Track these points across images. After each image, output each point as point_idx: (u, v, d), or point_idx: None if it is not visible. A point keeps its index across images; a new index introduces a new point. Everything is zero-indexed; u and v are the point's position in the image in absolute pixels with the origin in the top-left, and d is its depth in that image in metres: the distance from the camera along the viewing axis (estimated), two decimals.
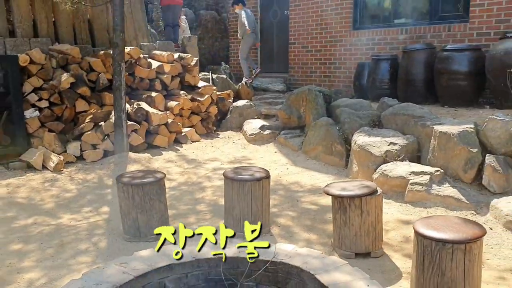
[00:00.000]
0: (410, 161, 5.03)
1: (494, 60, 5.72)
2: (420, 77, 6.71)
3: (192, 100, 7.86)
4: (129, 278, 2.59)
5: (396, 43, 7.72)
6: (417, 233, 2.79)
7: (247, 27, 9.39)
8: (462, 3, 6.97)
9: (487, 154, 4.49)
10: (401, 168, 4.83)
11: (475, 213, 4.24)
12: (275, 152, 6.94)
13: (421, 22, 7.51)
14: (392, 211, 4.48)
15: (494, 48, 5.86)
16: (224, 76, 9.49)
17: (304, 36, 9.39)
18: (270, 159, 6.63)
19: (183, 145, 7.29)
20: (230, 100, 8.72)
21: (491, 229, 3.96)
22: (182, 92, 7.87)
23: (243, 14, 9.50)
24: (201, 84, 8.33)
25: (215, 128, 8.28)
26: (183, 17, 11.02)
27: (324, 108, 6.97)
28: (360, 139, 5.49)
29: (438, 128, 4.87)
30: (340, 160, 6.07)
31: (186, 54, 8.28)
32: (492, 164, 4.36)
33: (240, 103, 8.58)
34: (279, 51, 10.34)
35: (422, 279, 2.76)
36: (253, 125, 7.79)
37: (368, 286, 2.50)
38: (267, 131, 7.53)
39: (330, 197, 3.69)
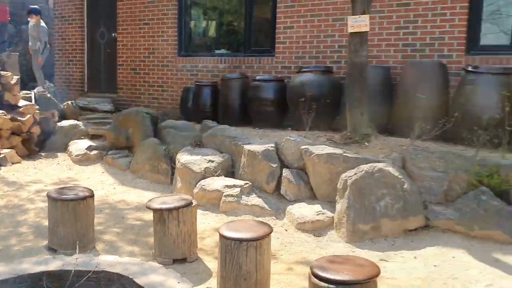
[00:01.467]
0: (225, 176, 5.74)
1: (293, 90, 6.88)
2: (236, 102, 7.63)
3: (12, 120, 7.53)
4: None
5: (217, 71, 8.56)
6: (221, 235, 3.40)
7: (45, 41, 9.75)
8: (270, 40, 8.12)
9: (284, 168, 5.43)
10: (217, 183, 5.51)
11: (275, 218, 5.09)
12: (103, 172, 7.08)
13: (237, 54, 8.49)
14: (209, 221, 5.09)
15: (293, 80, 7.03)
16: (49, 95, 9.23)
17: (133, 58, 9.69)
18: (97, 179, 6.75)
19: (2, 167, 6.94)
20: (55, 120, 8.54)
21: (286, 230, 4.84)
22: (1, 111, 7.49)
23: (42, 28, 9.64)
24: (22, 103, 8.02)
25: (38, 149, 8.00)
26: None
27: (151, 129, 7.37)
28: (183, 157, 6.04)
29: (247, 147, 5.70)
30: (166, 177, 6.53)
31: (5, 72, 7.90)
32: (288, 177, 5.30)
33: (66, 123, 8.46)
34: (107, 72, 10.42)
35: (225, 274, 3.36)
36: (79, 145, 7.77)
37: (178, 283, 3.00)
38: (94, 152, 7.59)
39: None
